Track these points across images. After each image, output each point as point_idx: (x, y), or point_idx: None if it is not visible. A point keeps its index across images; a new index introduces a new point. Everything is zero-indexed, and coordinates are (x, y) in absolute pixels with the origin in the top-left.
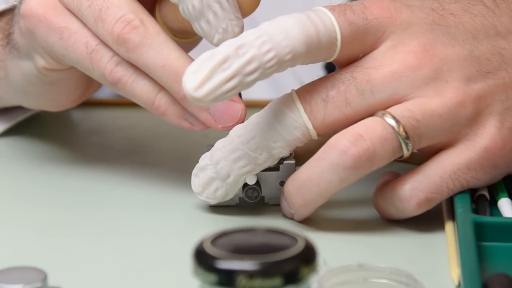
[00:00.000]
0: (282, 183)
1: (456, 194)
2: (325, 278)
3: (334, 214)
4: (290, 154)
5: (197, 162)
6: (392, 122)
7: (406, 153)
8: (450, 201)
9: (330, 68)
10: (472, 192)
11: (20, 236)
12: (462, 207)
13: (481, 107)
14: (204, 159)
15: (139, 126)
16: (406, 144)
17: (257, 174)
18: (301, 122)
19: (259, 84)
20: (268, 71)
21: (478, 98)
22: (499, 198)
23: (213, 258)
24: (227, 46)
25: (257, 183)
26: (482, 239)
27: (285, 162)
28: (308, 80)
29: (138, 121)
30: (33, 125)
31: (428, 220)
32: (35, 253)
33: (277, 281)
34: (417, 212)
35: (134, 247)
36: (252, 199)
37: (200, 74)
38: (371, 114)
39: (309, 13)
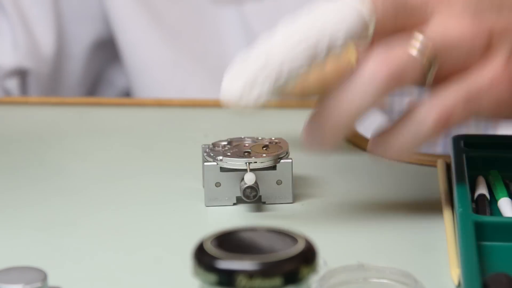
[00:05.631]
0: (279, 182)
1: (456, 194)
2: (325, 278)
3: (334, 214)
4: (287, 152)
5: (197, 161)
6: (418, 45)
7: (429, 79)
8: (450, 200)
9: None
10: (472, 192)
11: (20, 236)
12: (462, 207)
13: (496, 39)
14: (245, 58)
15: (139, 126)
16: (429, 69)
17: (254, 173)
18: (358, 9)
19: None
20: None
21: (494, 30)
22: (499, 198)
23: (213, 258)
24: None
25: (255, 182)
26: (482, 239)
27: (282, 161)
28: None
29: (138, 121)
30: (32, 124)
31: (428, 220)
32: (35, 253)
33: (277, 281)
34: (434, 133)
35: (134, 247)
36: (250, 198)
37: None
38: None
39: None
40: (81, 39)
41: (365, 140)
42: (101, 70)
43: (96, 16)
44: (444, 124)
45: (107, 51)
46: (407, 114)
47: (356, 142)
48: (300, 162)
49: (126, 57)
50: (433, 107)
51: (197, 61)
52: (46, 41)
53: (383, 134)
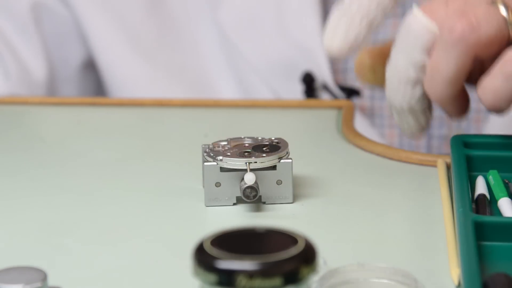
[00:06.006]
0: (279, 182)
1: (456, 194)
2: (325, 278)
3: (334, 214)
4: (287, 152)
5: (197, 161)
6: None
7: None
8: (450, 200)
9: (308, 81)
10: (472, 192)
11: (20, 236)
12: (462, 207)
13: None
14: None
15: (139, 126)
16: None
17: (254, 173)
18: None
19: (227, 84)
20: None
21: None
22: (499, 198)
23: (213, 258)
24: None
25: (255, 182)
26: (482, 239)
27: (282, 161)
28: (277, 84)
29: (138, 121)
30: (32, 124)
31: (428, 220)
32: (35, 253)
33: (277, 281)
34: None
35: (134, 247)
36: (251, 198)
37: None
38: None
39: None
40: (69, 62)
41: (365, 140)
42: (97, 90)
43: (77, 38)
44: None
45: (96, 72)
46: (498, 59)
47: (356, 142)
48: (300, 162)
49: (105, 76)
50: None
51: (174, 76)
52: (37, 67)
53: (482, 78)
